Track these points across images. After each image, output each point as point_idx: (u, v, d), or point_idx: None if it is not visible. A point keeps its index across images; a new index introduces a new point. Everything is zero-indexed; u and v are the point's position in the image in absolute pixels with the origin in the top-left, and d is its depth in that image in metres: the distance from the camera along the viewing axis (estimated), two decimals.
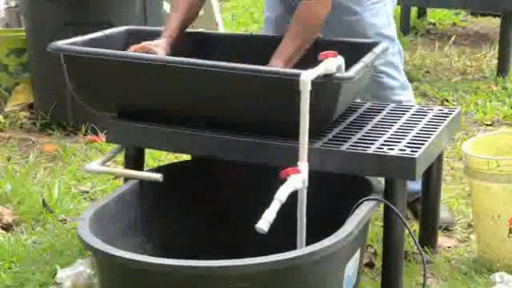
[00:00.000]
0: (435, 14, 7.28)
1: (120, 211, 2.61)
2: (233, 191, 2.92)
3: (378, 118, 2.93)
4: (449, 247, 3.20)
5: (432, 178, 3.08)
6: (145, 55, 2.85)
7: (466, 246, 3.22)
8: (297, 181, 2.33)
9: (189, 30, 3.17)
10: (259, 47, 3.03)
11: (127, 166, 2.96)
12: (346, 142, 2.67)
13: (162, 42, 2.97)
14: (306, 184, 2.36)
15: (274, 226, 2.21)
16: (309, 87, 2.35)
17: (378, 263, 2.97)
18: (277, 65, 2.78)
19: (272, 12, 3.37)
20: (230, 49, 3.14)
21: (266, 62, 2.78)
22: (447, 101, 5.03)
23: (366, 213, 2.46)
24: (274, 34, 3.30)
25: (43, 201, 3.50)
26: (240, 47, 3.14)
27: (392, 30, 3.32)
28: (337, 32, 3.18)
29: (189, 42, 3.14)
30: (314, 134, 2.61)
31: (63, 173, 3.90)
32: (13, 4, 5.24)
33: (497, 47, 5.68)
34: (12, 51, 4.78)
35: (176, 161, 3.63)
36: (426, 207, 3.13)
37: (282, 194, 2.26)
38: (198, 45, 3.20)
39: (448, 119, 2.93)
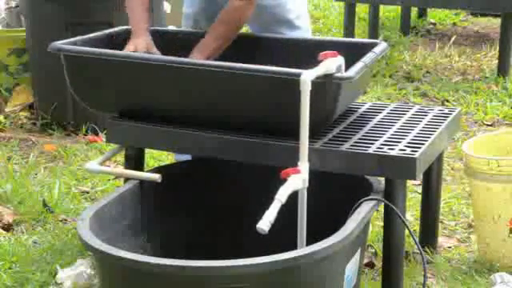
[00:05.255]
0: (435, 14, 7.28)
1: (120, 211, 2.61)
2: (233, 191, 2.92)
3: (378, 118, 2.93)
4: (449, 247, 3.20)
5: (432, 178, 3.08)
6: (145, 55, 2.85)
7: (466, 246, 3.22)
8: (297, 181, 2.33)
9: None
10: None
11: (127, 166, 2.96)
12: (346, 141, 2.67)
13: (149, 38, 3.02)
14: (307, 184, 2.36)
15: (274, 225, 2.21)
16: (309, 87, 2.35)
17: (378, 263, 2.97)
18: (197, 58, 2.86)
19: (191, 8, 3.41)
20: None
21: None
22: (447, 101, 5.03)
23: (366, 213, 2.46)
24: (192, 30, 3.35)
25: (43, 201, 3.50)
26: None
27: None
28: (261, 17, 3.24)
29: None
30: (315, 134, 2.61)
31: (63, 173, 3.90)
32: (13, 4, 5.24)
33: (497, 47, 5.68)
34: (12, 51, 4.78)
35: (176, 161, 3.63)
36: (427, 207, 3.13)
37: (282, 195, 2.26)
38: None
39: (448, 119, 2.93)
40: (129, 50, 2.91)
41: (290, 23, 3.30)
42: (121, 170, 3.23)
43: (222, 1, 3.21)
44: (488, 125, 4.68)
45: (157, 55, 2.95)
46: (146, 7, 3.09)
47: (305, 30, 3.36)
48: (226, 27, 3.00)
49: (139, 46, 2.94)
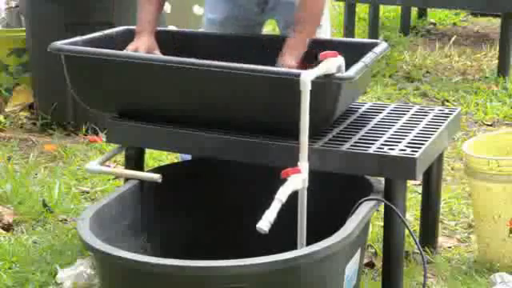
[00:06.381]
0: (435, 14, 7.29)
1: (120, 211, 2.61)
2: (233, 191, 2.92)
3: (378, 118, 2.93)
4: (449, 247, 3.20)
5: (432, 178, 3.08)
6: (145, 55, 2.85)
7: (466, 246, 3.22)
8: (297, 181, 2.33)
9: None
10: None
11: (127, 166, 2.96)
12: (346, 142, 2.67)
13: (151, 40, 2.99)
14: (307, 184, 2.36)
15: (274, 225, 2.21)
16: (309, 87, 2.35)
17: (378, 263, 2.96)
18: (290, 62, 2.79)
19: (216, 14, 3.34)
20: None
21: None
22: (447, 101, 5.03)
23: (366, 213, 2.46)
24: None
25: (43, 201, 3.50)
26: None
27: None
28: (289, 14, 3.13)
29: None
30: (315, 134, 2.61)
31: (63, 173, 3.90)
32: (13, 4, 5.25)
33: (497, 47, 5.68)
34: (12, 51, 4.78)
35: (176, 161, 3.63)
36: (427, 207, 3.13)
37: (282, 194, 2.26)
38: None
39: (448, 119, 2.94)
40: (130, 50, 2.91)
41: None
42: (121, 170, 3.23)
43: (248, 6, 3.20)
44: (488, 125, 4.68)
45: (156, 55, 2.95)
46: (156, 8, 3.06)
47: (324, 29, 3.29)
48: (305, 25, 2.91)
49: (141, 47, 2.93)
